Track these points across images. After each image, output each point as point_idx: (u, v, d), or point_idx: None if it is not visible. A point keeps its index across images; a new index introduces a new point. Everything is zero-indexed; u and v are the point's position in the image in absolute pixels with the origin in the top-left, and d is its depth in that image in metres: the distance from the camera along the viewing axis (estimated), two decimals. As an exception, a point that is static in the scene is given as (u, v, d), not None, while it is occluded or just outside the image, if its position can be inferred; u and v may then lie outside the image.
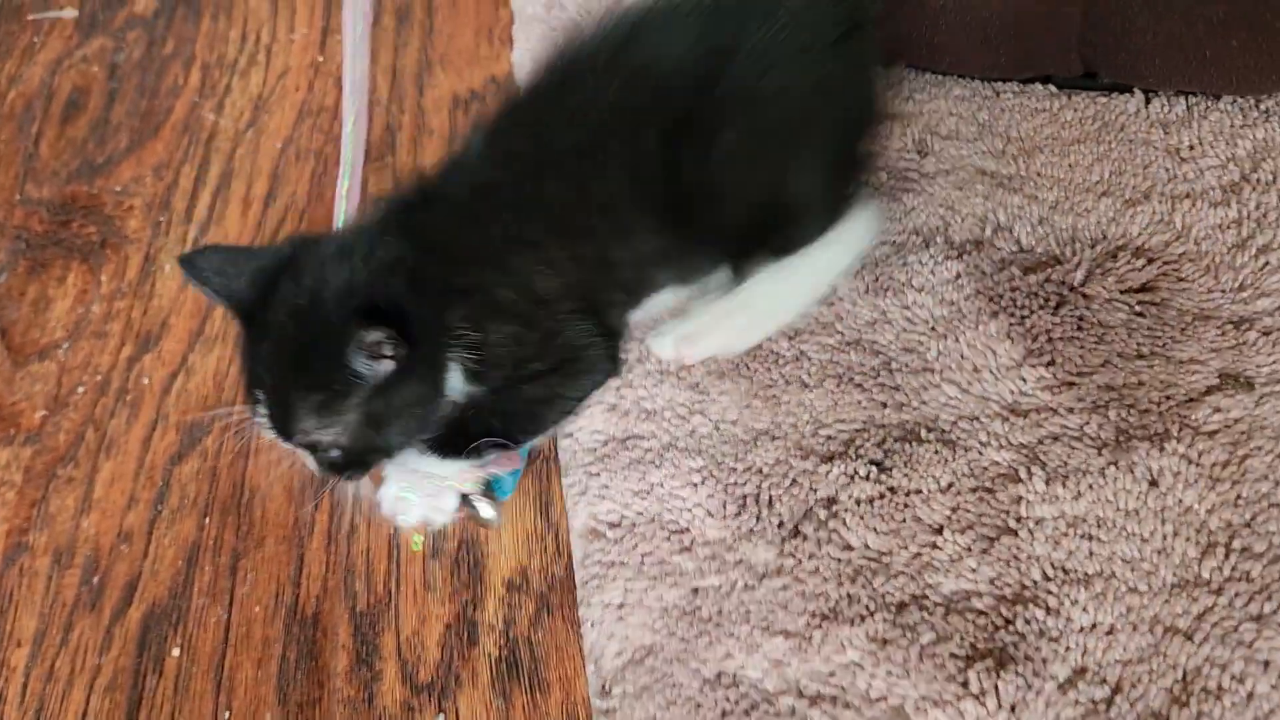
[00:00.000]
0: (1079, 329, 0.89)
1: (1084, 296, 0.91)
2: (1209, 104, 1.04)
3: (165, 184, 1.26)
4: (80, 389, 1.07)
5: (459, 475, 0.85)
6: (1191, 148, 1.01)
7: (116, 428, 1.03)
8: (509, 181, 0.84)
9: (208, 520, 0.95)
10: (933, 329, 0.92)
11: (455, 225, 0.83)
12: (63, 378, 1.08)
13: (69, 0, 1.57)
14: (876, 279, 0.96)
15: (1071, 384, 0.86)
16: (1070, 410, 0.85)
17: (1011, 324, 0.90)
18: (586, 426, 0.90)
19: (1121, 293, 0.91)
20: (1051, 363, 0.88)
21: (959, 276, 0.94)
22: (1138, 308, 0.90)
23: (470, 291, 0.81)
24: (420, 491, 0.85)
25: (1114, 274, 0.92)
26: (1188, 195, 0.97)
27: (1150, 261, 0.92)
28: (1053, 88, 1.08)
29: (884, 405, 0.88)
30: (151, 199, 1.25)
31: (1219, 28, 0.93)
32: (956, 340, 0.90)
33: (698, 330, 0.91)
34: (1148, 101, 1.05)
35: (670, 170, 0.83)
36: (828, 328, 0.93)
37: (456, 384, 0.81)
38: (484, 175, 0.85)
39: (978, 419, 0.86)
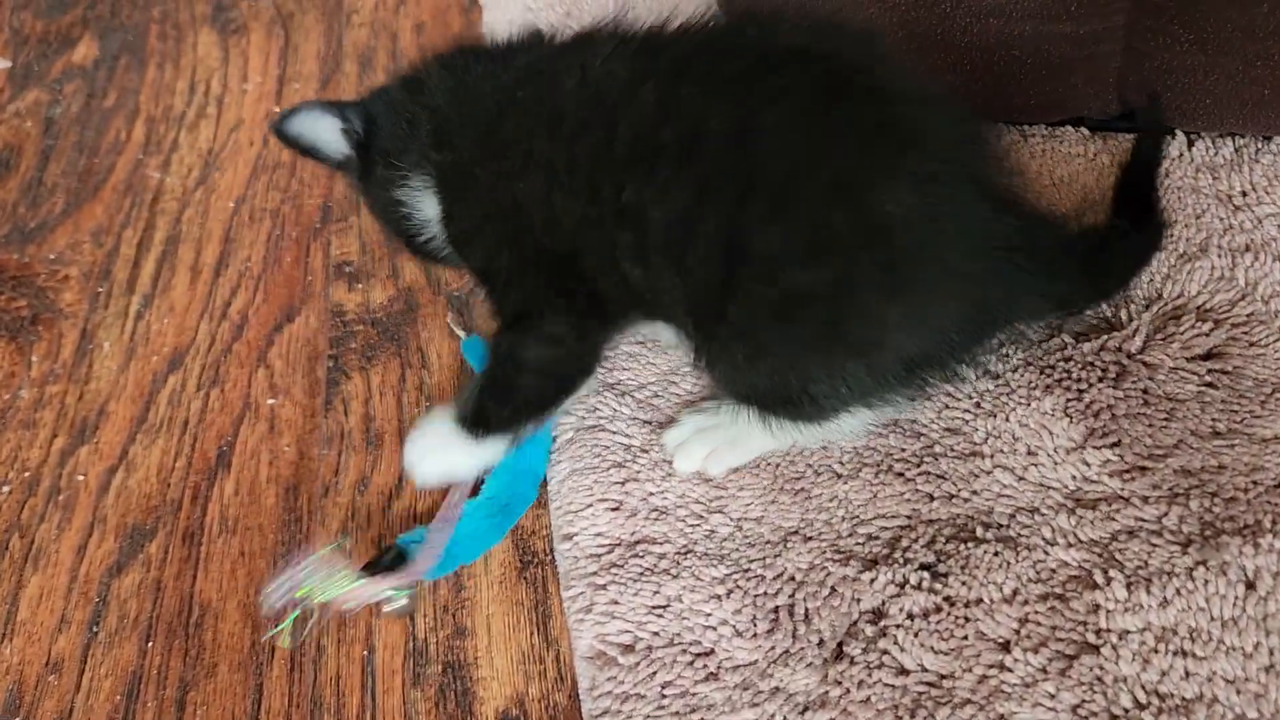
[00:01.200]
0: (1145, 404, 0.79)
1: (1146, 365, 0.81)
2: (1259, 145, 0.95)
3: (105, 251, 1.14)
4: (4, 489, 0.93)
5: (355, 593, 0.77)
6: (1245, 194, 0.92)
7: (46, 534, 0.90)
8: (570, 93, 0.74)
9: (151, 644, 0.82)
10: (978, 405, 0.81)
11: (486, 89, 0.79)
12: (-15, 476, 0.95)
13: (1, 50, 1.45)
14: (909, 349, 0.85)
15: (1143, 469, 0.76)
16: (1145, 500, 0.74)
17: (1069, 399, 0.80)
18: (588, 529, 0.78)
19: (1188, 360, 0.81)
20: (1117, 444, 0.77)
21: (1002, 345, 0.84)
22: (1208, 377, 0.80)
23: (451, 148, 0.79)
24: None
25: (1177, 339, 0.82)
26: (1248, 247, 0.87)
27: (1217, 324, 0.82)
28: (1085, 130, 0.99)
29: (930, 497, 0.77)
30: (90, 268, 1.12)
31: (1280, 65, 0.84)
32: (1007, 419, 0.80)
33: (724, 447, 0.80)
34: (1190, 144, 0.96)
35: (722, 267, 0.69)
36: (859, 407, 0.82)
37: (429, 208, 0.82)
38: (553, 77, 0.76)
39: (1038, 511, 0.75)
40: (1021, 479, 0.77)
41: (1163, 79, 0.90)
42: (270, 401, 0.97)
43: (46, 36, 1.46)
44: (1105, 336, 0.83)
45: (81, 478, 0.94)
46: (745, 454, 0.81)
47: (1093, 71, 0.92)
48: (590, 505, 0.80)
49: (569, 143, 0.72)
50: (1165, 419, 0.78)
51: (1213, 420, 0.78)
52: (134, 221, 1.17)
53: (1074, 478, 0.76)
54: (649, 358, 0.89)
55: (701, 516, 0.78)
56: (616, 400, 0.86)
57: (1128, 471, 0.76)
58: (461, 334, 0.98)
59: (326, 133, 0.85)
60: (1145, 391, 0.79)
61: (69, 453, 0.96)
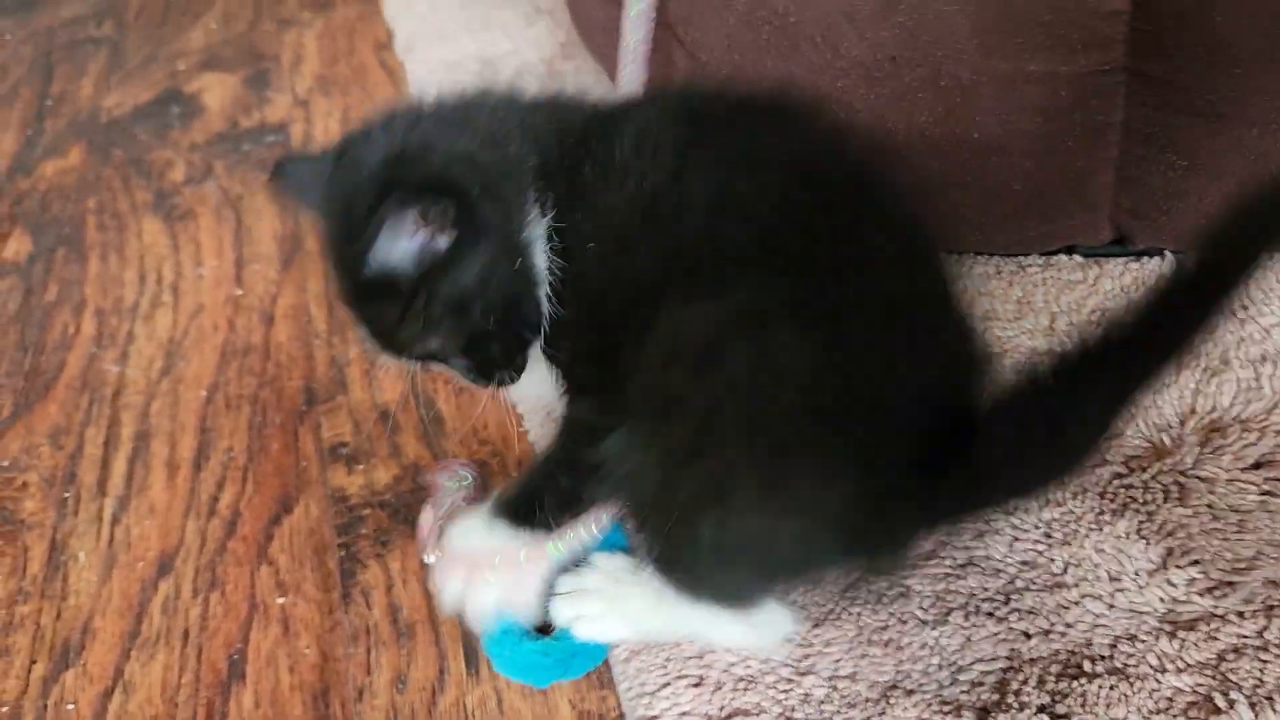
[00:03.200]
0: (1214, 518, 0.78)
1: (1202, 480, 0.81)
2: (1246, 261, 0.98)
3: (67, 453, 1.05)
4: (-21, 730, 0.83)
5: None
6: (1245, 307, 0.94)
7: (36, 777, 0.79)
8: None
9: None
10: (1048, 535, 0.79)
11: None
12: (-48, 717, 0.84)
13: (-78, 252, 1.37)
14: (964, 484, 0.84)
15: (1230, 584, 0.74)
16: (1241, 615, 0.73)
17: (1140, 521, 0.79)
18: (671, 709, 0.73)
19: (1242, 471, 0.81)
20: (1198, 561, 0.76)
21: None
22: (1265, 486, 0.80)
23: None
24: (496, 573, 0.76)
25: (1227, 451, 0.82)
26: (1264, 357, 0.90)
27: (1261, 434, 0.83)
28: (1079, 257, 1.01)
29: (1026, 635, 0.74)
30: (51, 472, 1.03)
31: (1272, 185, 0.88)
32: (1081, 546, 0.78)
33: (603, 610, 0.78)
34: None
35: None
36: (930, 556, 0.79)
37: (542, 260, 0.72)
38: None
39: (1137, 638, 0.73)
40: (1112, 606, 0.75)
41: (1156, 203, 0.93)
42: (280, 600, 0.89)
43: (-29, 236, 1.39)
44: (1157, 462, 0.82)
45: (71, 706, 0.84)
46: (626, 625, 0.77)
47: (1088, 201, 0.95)
48: (668, 684, 0.74)
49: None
50: (1237, 531, 0.77)
51: (1284, 528, 0.78)
52: (95, 419, 1.09)
53: (1162, 600, 0.74)
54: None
55: (792, 680, 0.73)
56: (672, 564, 0.82)
57: (1215, 588, 0.74)
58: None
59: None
60: (1210, 506, 0.79)
61: (52, 680, 0.86)
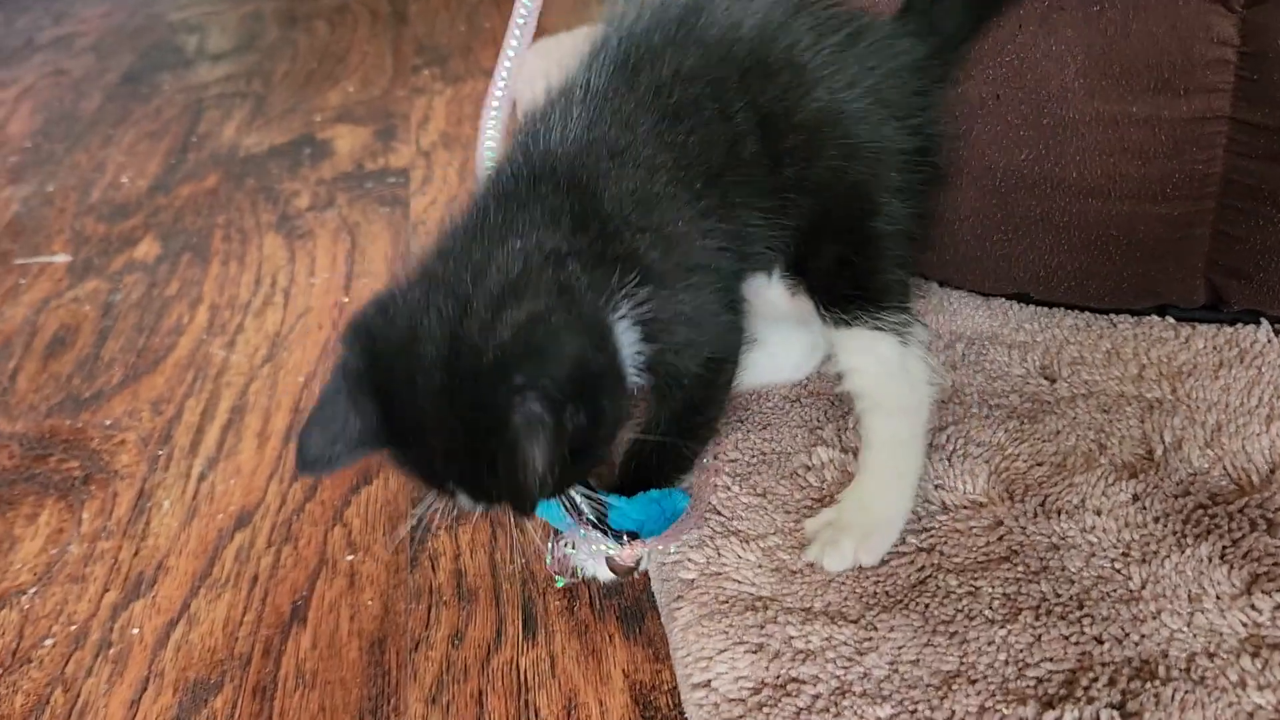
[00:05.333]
0: (1304, 552, 0.76)
1: (1293, 519, 0.79)
2: (1345, 329, 0.97)
3: (165, 418, 1.10)
4: (48, 641, 0.85)
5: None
6: (1344, 369, 0.93)
7: (93, 688, 0.80)
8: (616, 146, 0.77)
9: (216, 805, 0.72)
10: (1125, 554, 0.77)
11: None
12: (25, 628, 0.86)
13: (61, 246, 1.46)
14: (1042, 502, 0.82)
15: (1319, 614, 0.71)
16: (1330, 644, 0.69)
17: (1225, 547, 0.76)
18: (726, 674, 0.72)
19: (1336, 514, 0.79)
20: (1286, 590, 0.73)
21: (1137, 498, 0.81)
22: (1361, 529, 0.77)
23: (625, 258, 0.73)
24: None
25: (1321, 494, 0.80)
26: (1362, 416, 0.88)
27: (1356, 481, 0.81)
28: (1171, 319, 1.01)
29: (1098, 640, 0.71)
30: (148, 434, 1.08)
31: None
32: (1161, 565, 0.76)
33: (863, 534, 0.80)
34: (1278, 333, 0.98)
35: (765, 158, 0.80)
36: (1003, 561, 0.78)
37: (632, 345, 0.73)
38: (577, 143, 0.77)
39: (1217, 655, 0.70)
40: (1189, 624, 0.72)
41: (1254, 258, 0.93)
42: (349, 558, 0.90)
43: (108, 237, 1.48)
44: (1243, 498, 0.80)
45: (136, 631, 0.85)
46: (889, 532, 0.81)
47: (1183, 255, 0.95)
48: (726, 650, 0.73)
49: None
50: (1329, 567, 0.75)
51: (1377, 569, 0.74)
52: (197, 392, 1.13)
53: (1244, 624, 0.71)
54: (769, 509, 0.85)
55: (851, 659, 0.71)
56: (740, 547, 0.81)
57: (1303, 617, 0.71)
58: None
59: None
60: (1301, 541, 0.77)
61: (121, 607, 0.88)
